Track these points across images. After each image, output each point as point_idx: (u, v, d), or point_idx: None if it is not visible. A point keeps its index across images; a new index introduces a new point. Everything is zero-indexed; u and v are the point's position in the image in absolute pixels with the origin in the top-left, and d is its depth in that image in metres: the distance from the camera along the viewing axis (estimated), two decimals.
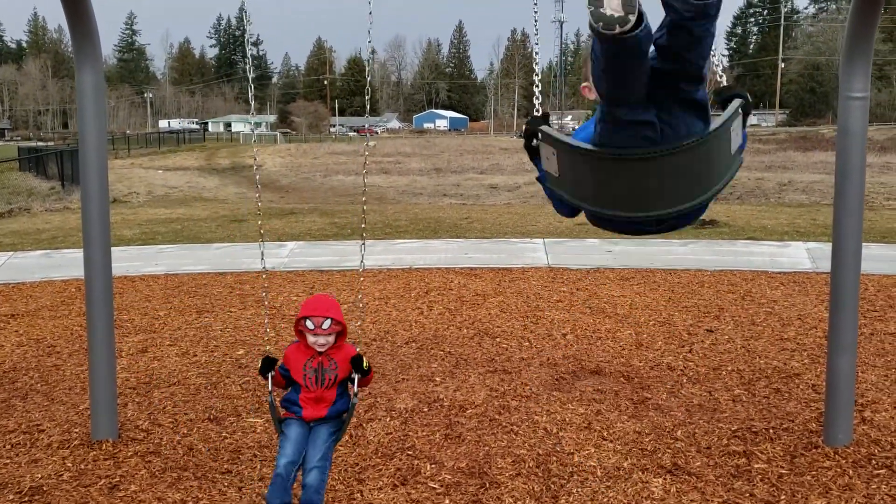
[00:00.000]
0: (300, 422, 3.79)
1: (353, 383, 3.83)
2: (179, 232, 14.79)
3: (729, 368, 6.39)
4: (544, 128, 2.83)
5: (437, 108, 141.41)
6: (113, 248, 13.13)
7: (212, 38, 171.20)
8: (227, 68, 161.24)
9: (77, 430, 5.25)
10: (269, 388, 3.93)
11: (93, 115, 4.85)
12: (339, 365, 3.79)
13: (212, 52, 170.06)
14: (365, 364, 3.79)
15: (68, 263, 11.62)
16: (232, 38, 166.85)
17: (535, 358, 6.73)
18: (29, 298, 9.39)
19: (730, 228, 14.05)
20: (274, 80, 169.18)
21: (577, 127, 3.33)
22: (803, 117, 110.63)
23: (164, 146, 66.93)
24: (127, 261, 11.59)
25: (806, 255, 11.39)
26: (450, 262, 11.20)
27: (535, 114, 2.95)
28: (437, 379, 6.24)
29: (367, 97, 4.15)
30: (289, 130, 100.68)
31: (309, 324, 3.72)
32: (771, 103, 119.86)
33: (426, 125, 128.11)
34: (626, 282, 9.80)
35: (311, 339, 3.74)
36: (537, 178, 3.21)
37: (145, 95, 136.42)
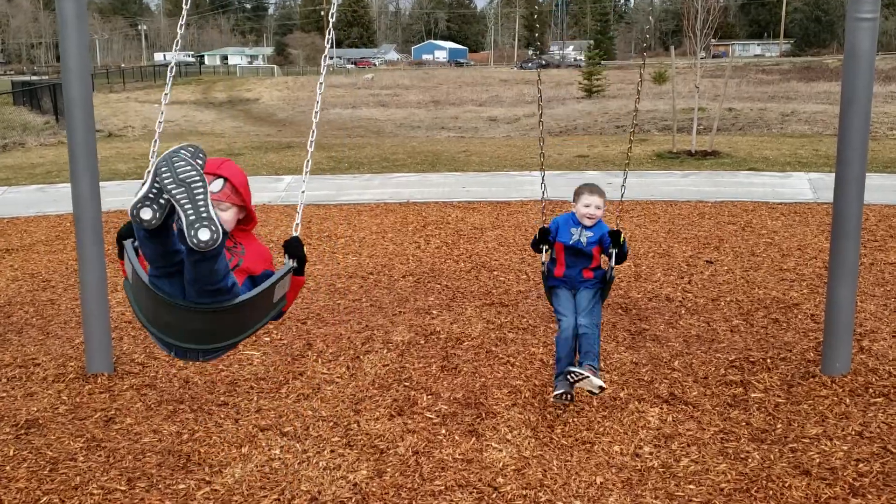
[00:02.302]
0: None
1: (290, 271, 2.96)
2: None
3: (728, 299, 6.36)
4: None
5: (436, 39, 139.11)
6: (107, 183, 13.06)
7: None
8: None
9: (72, 364, 5.24)
10: (127, 252, 2.85)
11: (75, 43, 4.70)
12: (248, 254, 3.03)
13: None
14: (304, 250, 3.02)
15: (63, 198, 11.51)
16: None
17: (533, 291, 6.69)
18: (24, 233, 9.33)
19: (731, 159, 13.90)
20: (270, 11, 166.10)
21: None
22: (808, 47, 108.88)
23: (160, 79, 66.04)
24: (122, 195, 11.47)
25: (808, 186, 11.28)
26: (448, 196, 11.09)
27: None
28: (434, 312, 6.21)
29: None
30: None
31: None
32: (775, 33, 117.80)
33: (425, 56, 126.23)
34: (626, 213, 9.71)
35: None
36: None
37: (139, 28, 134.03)
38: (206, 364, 5.21)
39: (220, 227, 2.46)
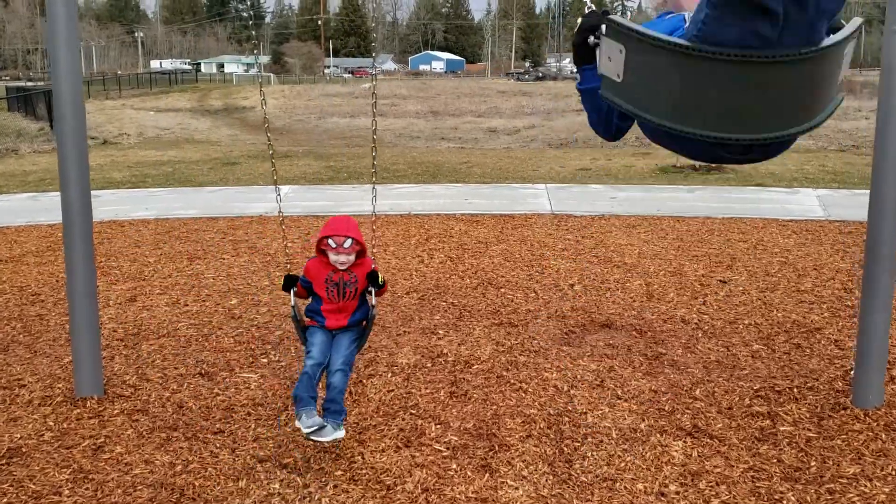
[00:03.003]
0: (323, 329, 4.13)
1: (370, 295, 4.18)
2: (170, 175, 14.38)
3: (746, 322, 6.10)
4: (614, 17, 2.30)
5: (433, 50, 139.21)
6: (102, 191, 12.79)
7: None
8: (219, 7, 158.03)
9: (60, 386, 4.96)
10: (293, 301, 4.22)
11: (65, 46, 4.44)
12: (359, 278, 4.11)
13: None
14: (380, 279, 4.14)
15: (55, 207, 11.10)
16: None
17: (543, 310, 6.43)
18: (13, 243, 9.04)
19: (737, 174, 13.68)
20: (267, 20, 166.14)
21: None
22: None
23: (156, 87, 65.80)
24: (116, 204, 11.23)
25: (817, 203, 11.05)
26: (450, 208, 10.85)
27: (590, 8, 2.54)
28: (441, 332, 5.95)
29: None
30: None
31: (331, 242, 4.01)
32: None
33: (422, 67, 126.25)
34: (633, 229, 9.48)
35: (332, 257, 4.03)
36: (578, 88, 2.79)
37: (136, 35, 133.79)
38: (200, 388, 4.94)
39: None
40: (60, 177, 4.66)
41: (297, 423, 3.86)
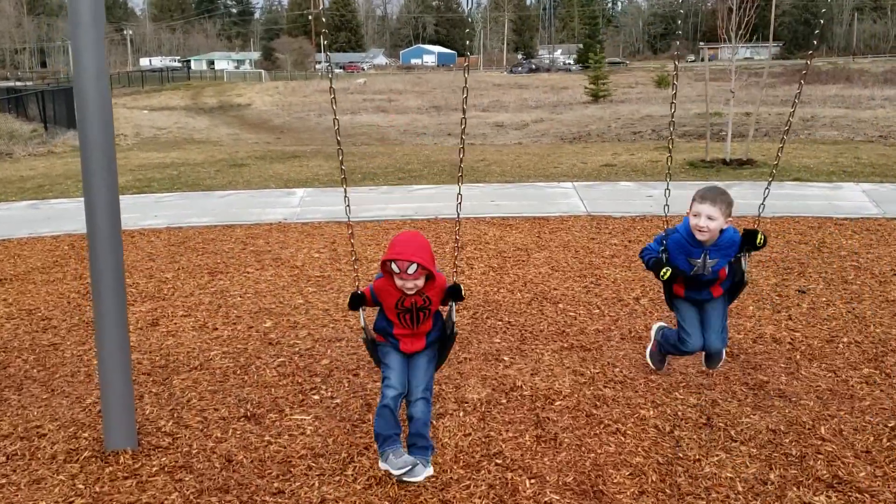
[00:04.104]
0: (398, 350, 3.79)
1: (450, 308, 3.79)
2: (176, 178, 13.68)
3: (844, 340, 5.48)
4: None
5: (424, 44, 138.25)
6: None
7: None
8: (207, 3, 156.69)
9: (86, 436, 4.31)
10: (362, 321, 3.88)
11: (92, 45, 3.77)
12: (433, 299, 3.71)
13: None
14: (463, 292, 3.74)
15: (58, 215, 10.56)
16: None
17: (613, 329, 5.80)
18: (17, 258, 8.36)
19: (770, 168, 13.05)
20: (256, 15, 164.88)
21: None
22: (797, 50, 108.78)
23: (148, 85, 64.90)
24: (123, 212, 10.36)
25: (866, 198, 10.45)
26: (477, 211, 10.20)
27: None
28: (506, 358, 5.31)
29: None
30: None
31: (394, 267, 3.57)
32: (764, 35, 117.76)
33: (413, 61, 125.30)
34: None
35: (398, 282, 3.62)
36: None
37: (125, 33, 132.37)
38: (248, 435, 4.29)
39: None
40: (86, 199, 3.99)
41: (384, 465, 3.57)
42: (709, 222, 3.93)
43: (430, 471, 3.64)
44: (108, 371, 4.09)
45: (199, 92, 54.43)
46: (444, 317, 3.87)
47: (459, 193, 3.88)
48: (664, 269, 4.15)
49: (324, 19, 3.19)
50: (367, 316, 3.93)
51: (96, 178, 3.91)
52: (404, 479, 3.57)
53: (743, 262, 4.21)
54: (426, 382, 3.74)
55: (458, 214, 3.98)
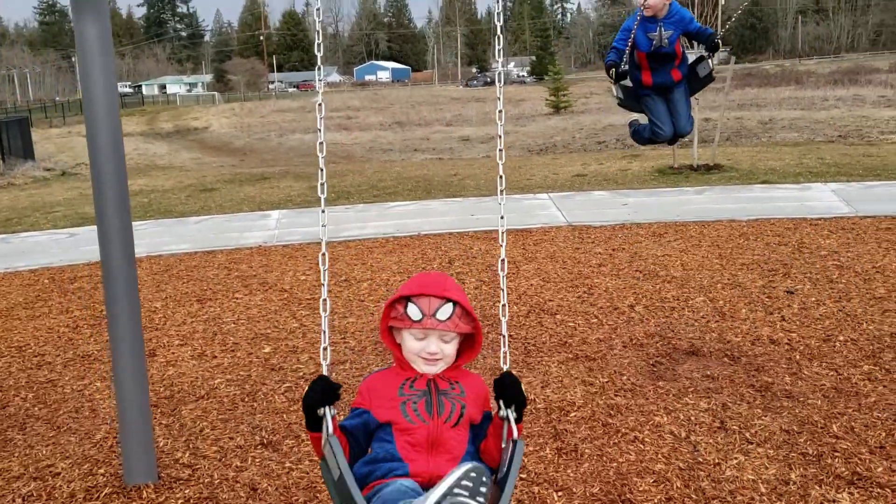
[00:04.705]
0: (403, 488, 2.03)
1: (507, 425, 2.19)
2: (147, 206, 13.52)
3: (841, 339, 5.62)
4: None
5: (377, 60, 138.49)
6: (79, 229, 11.93)
7: None
8: (156, 28, 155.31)
9: (102, 472, 4.24)
10: (327, 438, 2.11)
11: (100, 69, 3.75)
12: (468, 395, 2.26)
13: (139, 12, 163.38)
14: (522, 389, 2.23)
15: (31, 249, 10.38)
16: None
17: (614, 338, 5.87)
18: None
19: (737, 172, 13.35)
20: (207, 38, 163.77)
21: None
22: (744, 54, 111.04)
23: None
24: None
25: (835, 197, 10.71)
26: (459, 226, 10.26)
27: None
28: (514, 371, 5.32)
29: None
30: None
31: (413, 311, 2.19)
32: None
33: (367, 77, 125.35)
34: (661, 238, 9.00)
35: (414, 343, 2.21)
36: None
37: (73, 60, 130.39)
38: (268, 463, 4.27)
39: None
40: (99, 230, 3.96)
41: None
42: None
43: None
44: (126, 405, 4.04)
45: (154, 117, 53.85)
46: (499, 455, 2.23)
47: (501, 216, 2.66)
48: (615, 70, 5.07)
49: (318, 31, 2.83)
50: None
51: (109, 211, 3.88)
52: None
53: (709, 62, 5.02)
54: None
55: (502, 244, 2.58)
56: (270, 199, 13.51)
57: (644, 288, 7.10)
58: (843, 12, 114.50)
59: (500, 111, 2.70)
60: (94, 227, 11.83)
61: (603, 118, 27.51)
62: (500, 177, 2.66)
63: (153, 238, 10.64)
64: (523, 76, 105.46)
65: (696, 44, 5.48)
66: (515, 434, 2.16)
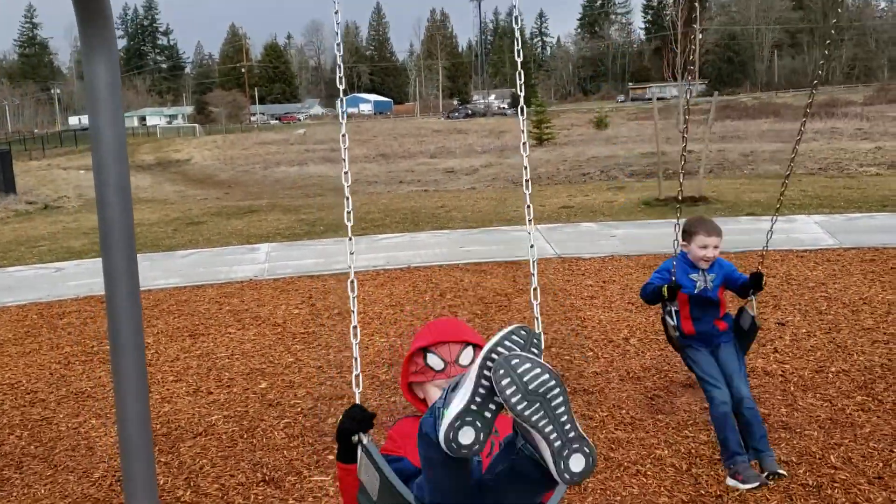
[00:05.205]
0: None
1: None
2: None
3: (832, 370, 5.69)
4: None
5: (360, 92, 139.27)
6: (65, 263, 11.85)
7: (119, 28, 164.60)
8: (136, 60, 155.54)
9: None
10: (360, 457, 2.02)
11: (110, 110, 3.77)
12: (500, 431, 2.05)
13: (120, 44, 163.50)
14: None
15: (18, 284, 10.30)
16: (140, 29, 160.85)
17: (612, 372, 5.91)
18: None
19: (722, 204, 13.50)
20: (187, 70, 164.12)
21: None
22: (722, 87, 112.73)
23: (81, 144, 63.76)
24: (86, 276, 10.32)
25: (820, 229, 10.87)
26: (448, 258, 10.30)
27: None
28: None
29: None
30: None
31: (433, 361, 2.18)
32: (694, 73, 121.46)
33: (350, 110, 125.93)
34: (651, 269, 9.02)
35: (438, 391, 2.13)
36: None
37: (52, 92, 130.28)
38: (272, 501, 4.25)
39: (594, 448, 1.73)
40: (105, 268, 3.95)
41: None
42: (715, 251, 4.26)
43: None
44: (130, 444, 4.01)
45: (135, 149, 53.68)
46: None
47: (531, 246, 2.48)
48: (671, 282, 4.20)
49: (339, 56, 2.73)
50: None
51: (116, 250, 3.88)
52: None
53: (752, 307, 4.35)
54: None
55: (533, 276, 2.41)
56: (259, 233, 13.49)
57: (637, 320, 7.16)
58: (817, 47, 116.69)
59: (524, 143, 2.67)
60: (80, 262, 11.71)
61: (586, 150, 27.79)
62: (528, 206, 2.60)
63: (142, 272, 10.46)
64: (504, 108, 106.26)
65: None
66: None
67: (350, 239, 2.46)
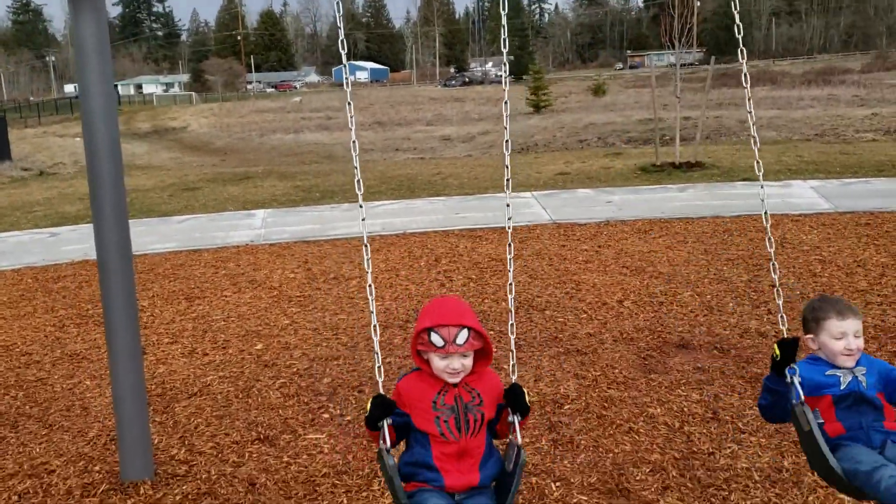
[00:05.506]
0: (441, 494, 2.55)
1: (512, 427, 2.67)
2: (130, 205, 13.33)
3: None
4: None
5: (356, 60, 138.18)
6: (60, 228, 11.84)
7: None
8: (132, 27, 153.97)
9: (98, 469, 4.23)
10: (385, 445, 2.58)
11: (98, 67, 3.75)
12: (486, 400, 2.65)
13: (115, 11, 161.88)
14: (527, 399, 2.69)
15: (12, 249, 10.29)
16: None
17: (605, 333, 5.93)
18: None
19: (718, 170, 13.48)
20: (183, 37, 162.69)
21: None
22: (720, 55, 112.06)
23: (76, 111, 63.33)
24: (81, 241, 10.29)
25: (815, 194, 10.86)
26: (444, 224, 10.29)
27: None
28: (506, 367, 5.36)
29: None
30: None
31: (436, 339, 2.57)
32: (687, 42, 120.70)
33: None
34: (646, 234, 9.08)
35: (439, 362, 2.59)
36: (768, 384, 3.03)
37: (47, 59, 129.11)
38: (266, 458, 4.28)
39: None
40: (95, 226, 3.96)
41: None
42: (858, 341, 2.83)
43: None
44: (123, 402, 4.04)
45: (131, 117, 53.37)
46: (505, 447, 2.73)
47: (509, 219, 2.98)
48: (788, 342, 2.96)
49: (340, 27, 2.85)
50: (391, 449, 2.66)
51: (107, 213, 3.88)
52: None
53: None
54: None
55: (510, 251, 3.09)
56: (255, 199, 13.47)
57: (631, 283, 7.17)
58: (815, 14, 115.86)
59: (506, 101, 2.73)
60: (76, 227, 11.72)
61: (584, 117, 27.67)
62: (507, 180, 2.76)
63: (137, 237, 10.47)
64: (501, 76, 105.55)
65: None
66: (519, 440, 2.66)
67: (360, 206, 2.79)
